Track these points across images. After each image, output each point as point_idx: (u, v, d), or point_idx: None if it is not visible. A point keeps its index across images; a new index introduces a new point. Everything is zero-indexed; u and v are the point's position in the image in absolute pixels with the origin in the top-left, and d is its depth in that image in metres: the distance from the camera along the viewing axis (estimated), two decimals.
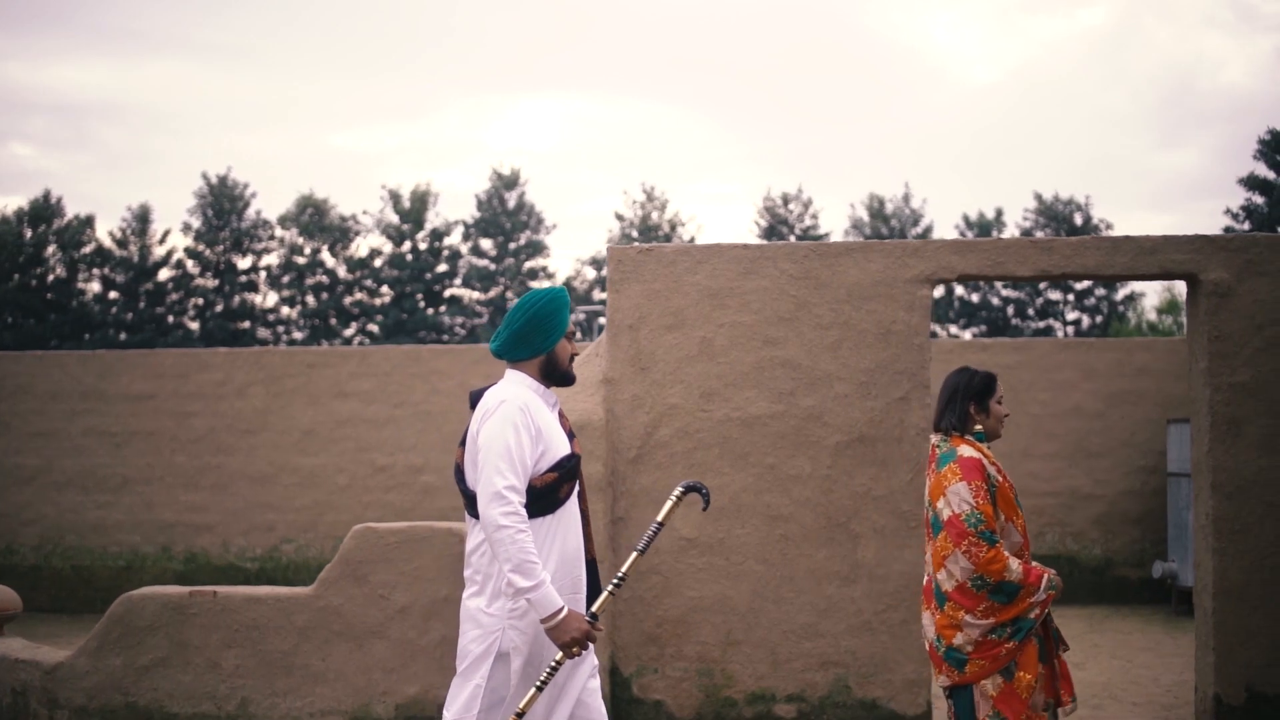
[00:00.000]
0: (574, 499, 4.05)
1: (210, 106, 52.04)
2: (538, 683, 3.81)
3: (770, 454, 6.06)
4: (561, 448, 3.99)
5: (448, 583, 6.17)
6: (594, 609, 3.91)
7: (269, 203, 58.91)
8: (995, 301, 33.45)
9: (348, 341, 33.71)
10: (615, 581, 3.98)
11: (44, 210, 33.05)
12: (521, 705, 3.81)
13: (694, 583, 6.02)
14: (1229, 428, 6.01)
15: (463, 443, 4.05)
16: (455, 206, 65.70)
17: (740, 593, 6.02)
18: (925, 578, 4.50)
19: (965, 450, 4.34)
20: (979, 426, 4.47)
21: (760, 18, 54.04)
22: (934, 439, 4.50)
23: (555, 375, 4.09)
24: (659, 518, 4.06)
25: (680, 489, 4.09)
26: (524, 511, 3.81)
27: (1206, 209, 51.98)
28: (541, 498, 3.91)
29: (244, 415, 11.96)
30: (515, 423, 3.86)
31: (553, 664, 3.81)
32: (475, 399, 4.08)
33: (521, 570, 3.74)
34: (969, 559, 4.19)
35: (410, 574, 6.20)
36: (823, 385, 6.07)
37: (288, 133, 53.80)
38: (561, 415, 4.13)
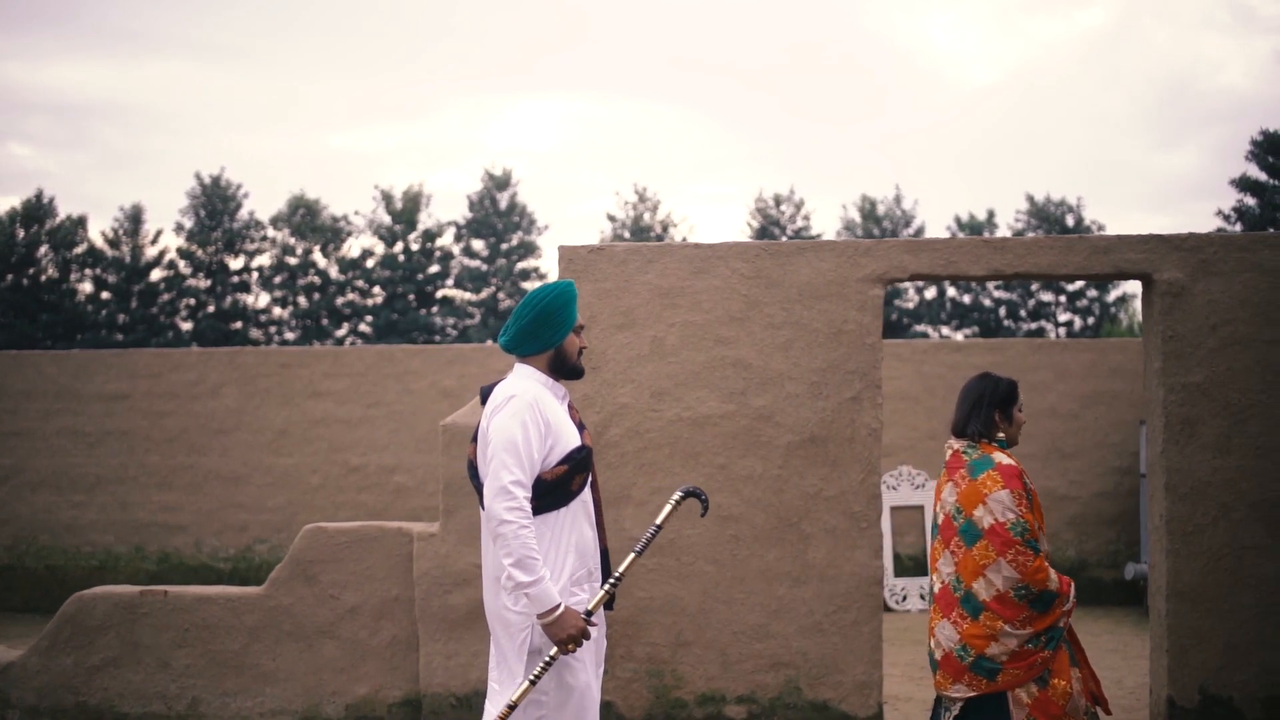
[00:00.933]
0: (587, 490, 4.07)
1: (210, 107, 52.06)
2: (530, 677, 3.85)
3: (721, 454, 6.03)
4: (571, 440, 4.00)
5: (398, 583, 6.15)
6: (589, 607, 3.92)
7: (267, 203, 58.82)
8: (987, 303, 33.40)
9: (339, 342, 33.69)
10: (611, 581, 3.99)
11: (36, 210, 33.06)
12: (514, 697, 3.85)
13: (644, 583, 6.00)
14: (1183, 428, 5.98)
15: (475, 438, 4.07)
16: (449, 207, 65.64)
17: (690, 593, 6.00)
18: (937, 585, 4.37)
19: (1002, 457, 4.30)
20: (1001, 434, 4.44)
21: (760, 19, 54.05)
22: (956, 445, 4.44)
23: (564, 369, 4.12)
24: (658, 521, 4.08)
25: (679, 494, 4.12)
26: (529, 507, 3.83)
27: (1205, 210, 51.98)
28: (552, 491, 3.93)
29: (217, 415, 11.94)
30: (523, 418, 3.88)
31: (547, 659, 3.84)
32: (486, 394, 4.11)
33: (522, 565, 3.77)
34: (1015, 568, 4.15)
35: (360, 574, 6.18)
36: (774, 385, 6.04)
37: (287, 133, 53.82)
38: (571, 407, 4.15)
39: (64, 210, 33.62)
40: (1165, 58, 54.51)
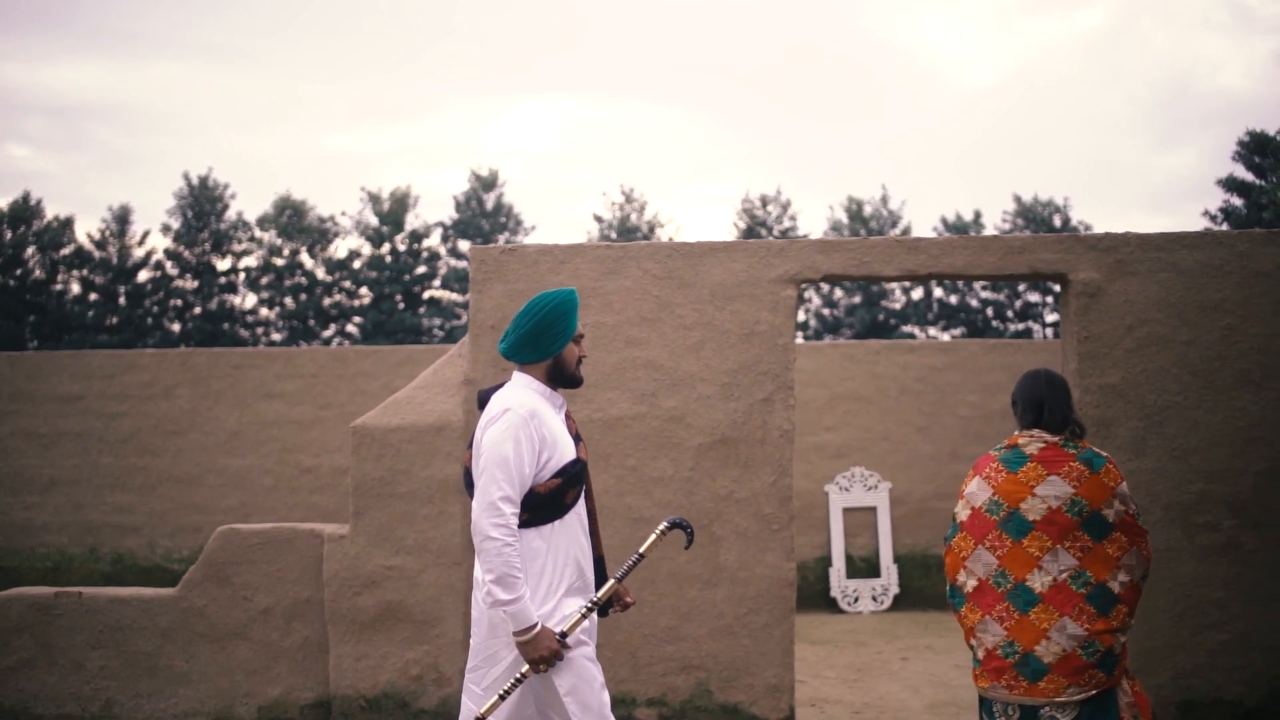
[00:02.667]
0: (582, 503, 4.06)
1: (208, 108, 51.96)
2: (501, 691, 3.83)
3: (632, 455, 6.00)
4: (567, 453, 3.98)
5: (309, 584, 6.13)
6: (564, 629, 3.89)
7: (261, 204, 58.83)
8: (974, 304, 33.35)
9: (327, 343, 33.68)
10: (587, 605, 3.96)
11: (23, 211, 33.04)
12: (482, 710, 3.83)
13: None
14: (1099, 430, 5.95)
15: (470, 445, 4.06)
16: (440, 208, 65.57)
17: None
18: (1043, 584, 4.09)
19: (1102, 451, 4.29)
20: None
21: (760, 21, 54.01)
22: (1051, 438, 4.19)
23: (563, 378, 4.10)
24: (641, 550, 4.06)
25: (665, 524, 4.09)
26: (515, 524, 3.82)
27: (1203, 211, 51.70)
28: (546, 504, 3.91)
29: (171, 416, 11.92)
30: (516, 434, 3.86)
31: (518, 675, 3.82)
32: (484, 399, 4.09)
33: (503, 583, 3.76)
34: (1145, 554, 4.14)
35: (273, 575, 6.16)
36: (685, 386, 6.01)
37: (285, 134, 53.71)
38: (569, 417, 4.13)
39: (61, 211, 33.61)
40: (1164, 58, 54.36)
